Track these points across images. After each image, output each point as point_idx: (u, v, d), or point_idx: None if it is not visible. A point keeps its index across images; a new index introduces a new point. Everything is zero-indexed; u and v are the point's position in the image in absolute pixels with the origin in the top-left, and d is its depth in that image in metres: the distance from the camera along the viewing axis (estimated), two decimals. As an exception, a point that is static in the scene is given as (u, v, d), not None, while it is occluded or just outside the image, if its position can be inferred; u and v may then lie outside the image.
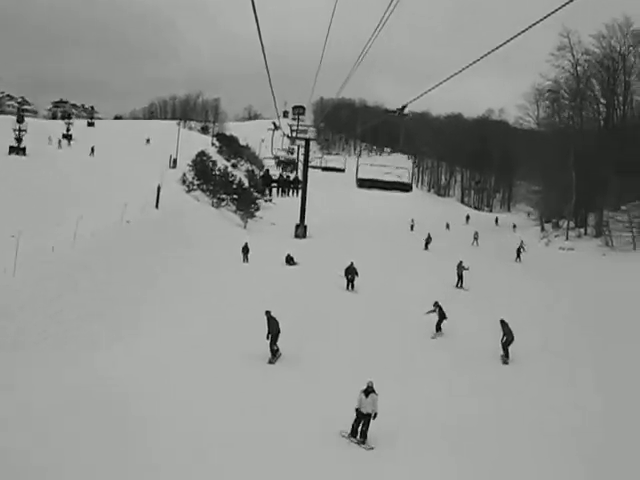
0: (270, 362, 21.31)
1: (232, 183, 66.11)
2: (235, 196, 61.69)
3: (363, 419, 16.00)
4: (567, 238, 60.46)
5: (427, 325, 26.09)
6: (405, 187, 34.29)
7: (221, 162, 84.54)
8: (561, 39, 64.61)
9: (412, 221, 70.70)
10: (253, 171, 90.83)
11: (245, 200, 61.02)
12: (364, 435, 15.97)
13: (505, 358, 22.85)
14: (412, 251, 50.47)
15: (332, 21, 19.69)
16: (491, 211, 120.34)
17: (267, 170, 49.93)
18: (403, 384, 19.62)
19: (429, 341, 25.43)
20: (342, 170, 53.02)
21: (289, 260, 41.45)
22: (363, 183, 33.83)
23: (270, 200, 74.40)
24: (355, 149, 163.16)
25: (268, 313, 21.78)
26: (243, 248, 40.70)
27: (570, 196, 63.78)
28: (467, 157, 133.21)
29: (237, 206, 60.31)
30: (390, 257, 45.42)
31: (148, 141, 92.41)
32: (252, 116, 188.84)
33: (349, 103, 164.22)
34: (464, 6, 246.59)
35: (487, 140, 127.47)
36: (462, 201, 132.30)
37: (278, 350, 21.65)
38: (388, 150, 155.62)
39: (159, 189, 44.12)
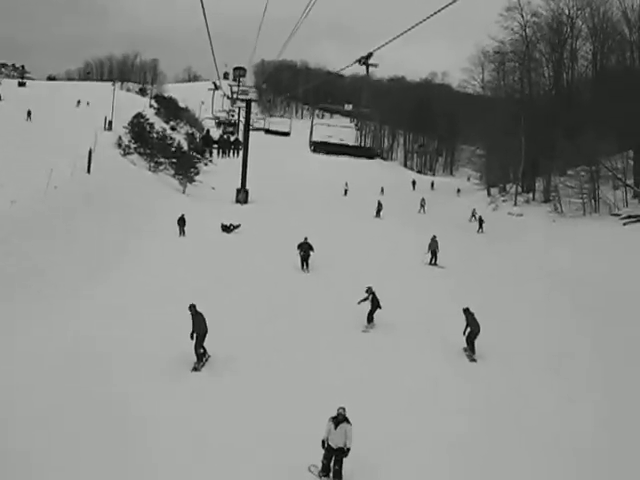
0: (195, 369, 17.67)
1: (170, 146, 63.37)
2: (174, 160, 58.97)
3: (334, 454, 12.92)
4: (515, 203, 59.52)
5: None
6: (369, 152, 32.05)
7: (159, 125, 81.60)
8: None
9: (346, 185, 68.94)
10: (193, 134, 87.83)
11: (184, 164, 58.19)
12: (338, 475, 12.91)
13: (471, 353, 20.20)
14: (363, 220, 48.65)
15: None
16: (434, 175, 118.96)
17: (207, 131, 47.86)
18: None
19: (384, 338, 21.70)
20: (287, 134, 50.53)
21: (226, 228, 39.51)
22: (317, 147, 31.42)
23: (210, 161, 72.07)
24: (297, 112, 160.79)
25: (193, 308, 17.98)
26: (179, 220, 37.19)
27: (518, 161, 62.90)
28: (410, 120, 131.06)
29: (176, 170, 57.57)
30: (340, 225, 43.59)
31: (79, 103, 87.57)
32: (192, 78, 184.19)
33: (291, 65, 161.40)
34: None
35: (430, 103, 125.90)
36: (405, 165, 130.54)
37: (205, 353, 18.08)
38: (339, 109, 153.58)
39: (90, 153, 41.29)
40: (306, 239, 31.18)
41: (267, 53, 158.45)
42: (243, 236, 38.43)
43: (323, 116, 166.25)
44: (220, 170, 73.94)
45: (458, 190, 76.05)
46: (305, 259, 30.77)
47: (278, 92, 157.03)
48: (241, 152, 49.12)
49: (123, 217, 36.03)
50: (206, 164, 73.15)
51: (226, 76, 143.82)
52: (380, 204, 51.02)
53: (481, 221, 48.84)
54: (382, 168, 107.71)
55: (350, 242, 37.92)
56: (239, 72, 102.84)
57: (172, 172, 57.70)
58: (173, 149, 61.95)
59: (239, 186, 55.92)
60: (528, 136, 60.45)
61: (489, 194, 69.39)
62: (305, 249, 30.75)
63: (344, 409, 12.93)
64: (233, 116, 51.71)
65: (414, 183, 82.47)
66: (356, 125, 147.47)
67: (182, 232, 36.99)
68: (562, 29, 61.04)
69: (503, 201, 62.42)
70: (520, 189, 62.24)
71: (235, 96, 53.27)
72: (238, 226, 39.79)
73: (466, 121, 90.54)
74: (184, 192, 54.46)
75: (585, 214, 47.98)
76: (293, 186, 68.34)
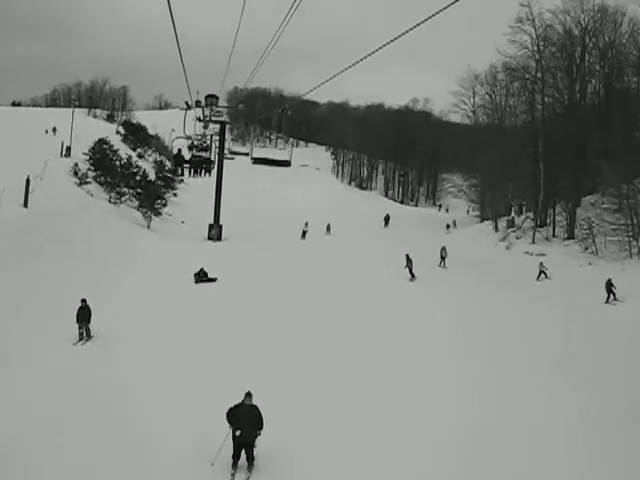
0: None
1: (135, 175, 55.66)
2: (139, 190, 51.14)
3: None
4: (533, 241, 50.23)
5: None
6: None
7: (125, 152, 74.35)
8: (521, 9, 55.25)
9: (306, 226, 53.35)
10: (162, 162, 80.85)
11: (150, 195, 50.30)
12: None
13: None
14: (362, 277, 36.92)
15: (244, 8, 19.07)
16: (416, 205, 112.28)
17: (179, 150, 41.81)
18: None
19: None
20: (287, 163, 43.17)
21: (200, 276, 31.67)
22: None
23: (182, 180, 65.53)
24: (271, 141, 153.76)
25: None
26: (79, 313, 20.93)
27: (534, 190, 54.33)
28: (390, 148, 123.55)
29: (140, 202, 49.63)
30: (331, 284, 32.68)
31: (54, 131, 79.06)
32: (163, 105, 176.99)
33: (265, 92, 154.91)
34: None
35: (411, 131, 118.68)
36: (386, 194, 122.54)
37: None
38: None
39: (28, 182, 33.18)
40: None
41: (241, 80, 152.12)
42: (219, 289, 30.20)
43: (298, 144, 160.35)
44: (192, 191, 69.40)
45: (448, 226, 67.29)
46: None
47: (251, 120, 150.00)
48: (213, 171, 43.28)
49: (56, 268, 26.78)
50: (175, 193, 65.80)
51: (198, 104, 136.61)
52: (409, 260, 35.29)
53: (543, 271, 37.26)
54: (360, 198, 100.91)
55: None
56: (211, 100, 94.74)
57: (136, 204, 49.97)
58: (138, 178, 54.29)
59: (212, 220, 48.46)
60: (547, 162, 52.02)
61: (496, 229, 60.29)
62: None
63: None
64: (205, 142, 44.82)
65: (387, 220, 67.47)
66: (332, 154, 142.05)
67: (84, 334, 20.85)
68: (575, 45, 53.59)
69: (517, 238, 53.20)
70: (532, 223, 53.59)
71: (208, 117, 46.21)
72: (214, 279, 31.83)
73: (459, 149, 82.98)
74: (149, 227, 46.53)
75: (631, 255, 39.04)
76: (269, 218, 61.13)
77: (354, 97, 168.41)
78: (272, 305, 26.40)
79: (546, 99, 56.07)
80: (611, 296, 30.44)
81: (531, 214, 55.27)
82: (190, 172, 43.73)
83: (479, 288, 32.85)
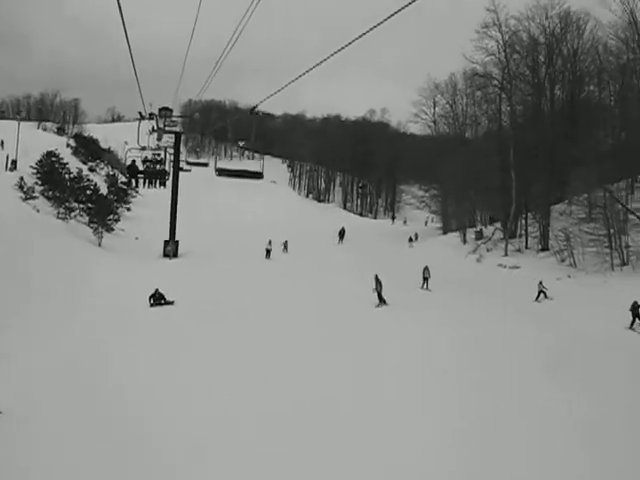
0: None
1: (86, 189, 52.60)
2: (90, 205, 48.08)
3: None
4: (506, 253, 47.76)
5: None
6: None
7: (76, 165, 71.14)
8: (487, 15, 53.70)
9: (269, 244, 47.14)
10: (114, 175, 77.77)
11: (101, 209, 47.27)
12: None
13: None
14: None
15: (197, 20, 19.27)
16: (375, 217, 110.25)
17: (133, 161, 39.43)
18: None
19: None
20: (259, 175, 40.76)
21: (156, 298, 29.03)
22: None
23: (137, 192, 62.85)
24: (226, 153, 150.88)
25: None
26: None
27: (505, 200, 52.17)
28: (348, 160, 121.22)
29: (90, 217, 46.57)
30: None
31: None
32: (115, 118, 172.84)
33: (219, 105, 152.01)
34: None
35: (369, 142, 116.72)
36: (344, 207, 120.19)
37: None
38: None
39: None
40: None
41: (196, 93, 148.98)
42: (175, 314, 27.11)
43: (254, 157, 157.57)
44: (147, 205, 66.88)
45: (411, 239, 61.99)
46: None
47: (205, 133, 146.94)
48: (168, 183, 41.13)
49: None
50: (129, 208, 62.94)
51: (152, 117, 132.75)
52: (378, 282, 30.75)
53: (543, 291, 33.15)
54: (321, 211, 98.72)
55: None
56: (165, 112, 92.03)
57: (87, 220, 46.92)
58: (89, 192, 51.22)
59: (167, 236, 45.48)
60: (518, 170, 50.06)
61: (464, 241, 57.83)
62: None
63: None
64: (159, 154, 42.51)
65: (342, 234, 61.62)
66: (289, 166, 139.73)
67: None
68: (539, 52, 52.16)
69: (487, 250, 50.80)
70: (502, 234, 51.59)
71: (162, 128, 43.55)
72: (171, 302, 29.00)
73: (419, 160, 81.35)
74: (100, 244, 43.49)
75: (613, 267, 36.86)
76: (226, 233, 58.38)
77: (311, 109, 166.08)
78: (230, 335, 23.45)
79: (513, 107, 54.51)
80: (637, 320, 26.01)
81: (500, 225, 53.46)
82: (145, 183, 41.61)
83: (474, 316, 28.09)
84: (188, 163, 51.32)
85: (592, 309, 28.82)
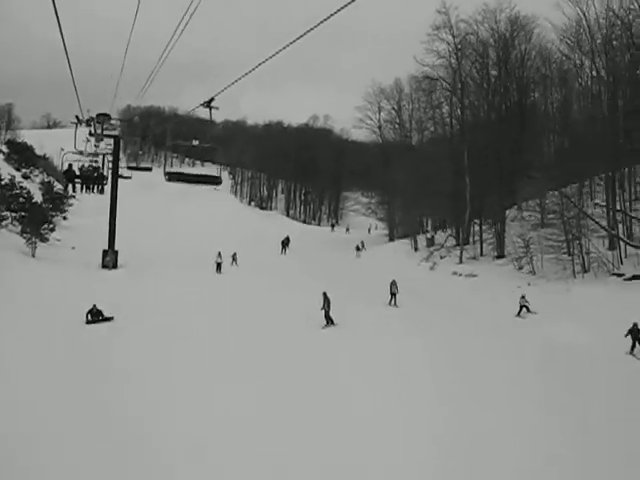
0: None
1: (18, 197, 49.68)
2: (23, 214, 45.29)
3: None
4: (461, 260, 46.36)
5: None
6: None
7: (8, 172, 67.79)
8: (437, 17, 52.51)
9: (219, 256, 43.64)
10: (50, 182, 74.47)
11: (35, 218, 44.52)
12: None
13: None
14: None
15: (134, 26, 18.99)
16: (319, 224, 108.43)
17: (70, 165, 37.34)
18: None
19: None
20: (216, 180, 39.58)
21: (94, 315, 26.80)
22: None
23: (74, 197, 60.23)
24: (166, 160, 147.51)
25: None
26: None
27: (457, 205, 50.90)
28: (290, 167, 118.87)
29: (23, 227, 43.82)
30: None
31: None
32: (51, 124, 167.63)
33: (158, 111, 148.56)
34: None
35: (312, 148, 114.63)
36: (287, 214, 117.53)
37: None
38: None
39: None
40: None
41: (136, 99, 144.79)
42: (113, 332, 24.70)
43: (194, 164, 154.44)
44: (85, 213, 64.70)
45: (358, 248, 58.73)
46: None
47: (145, 138, 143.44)
48: (107, 188, 39.34)
49: None
50: (65, 217, 60.00)
51: (89, 123, 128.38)
52: (326, 300, 28.50)
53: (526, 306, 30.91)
54: (264, 219, 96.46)
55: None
56: (103, 118, 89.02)
57: (19, 229, 44.17)
58: (22, 200, 48.33)
59: (106, 245, 43.07)
60: (472, 175, 48.72)
61: (415, 249, 56.02)
62: None
63: None
64: (97, 162, 40.46)
65: (285, 244, 58.41)
66: (230, 173, 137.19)
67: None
68: (489, 56, 51.18)
69: (441, 257, 48.97)
70: (455, 241, 50.35)
71: (101, 131, 41.18)
72: (110, 319, 26.78)
73: (364, 166, 79.97)
74: (34, 255, 40.86)
75: (575, 275, 35.84)
76: (169, 241, 56.01)
77: (252, 116, 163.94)
78: (167, 359, 21.19)
79: (465, 110, 53.47)
80: (637, 345, 23.50)
81: (451, 231, 52.48)
82: (82, 188, 39.62)
83: (453, 338, 25.26)
84: (129, 168, 48.54)
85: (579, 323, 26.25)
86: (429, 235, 56.97)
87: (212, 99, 18.81)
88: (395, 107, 71.62)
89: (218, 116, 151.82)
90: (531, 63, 51.80)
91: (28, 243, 41.20)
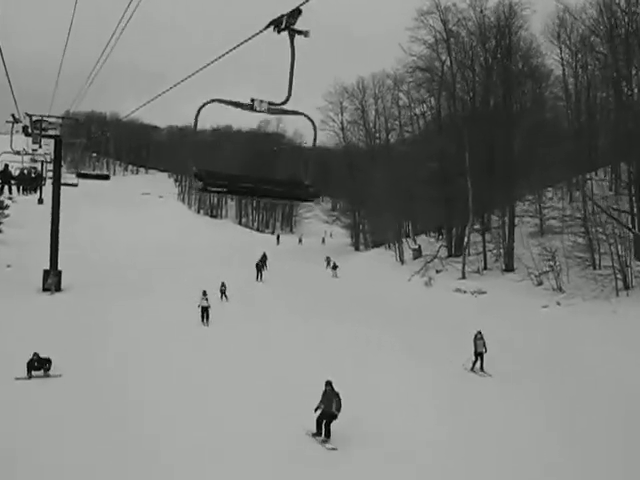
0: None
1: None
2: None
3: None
4: (464, 275, 38.83)
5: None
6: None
7: None
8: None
9: (204, 298, 28.52)
10: (-18, 191, 67.02)
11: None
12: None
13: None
14: None
15: (70, 30, 18.75)
16: (273, 233, 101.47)
17: (6, 165, 31.81)
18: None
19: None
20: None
21: (35, 365, 19.77)
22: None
23: (10, 199, 53.69)
24: (109, 167, 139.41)
25: None
26: None
27: (456, 210, 43.83)
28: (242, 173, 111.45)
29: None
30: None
31: None
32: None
33: (100, 116, 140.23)
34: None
35: (264, 154, 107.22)
36: (240, 222, 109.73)
37: None
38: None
39: None
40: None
41: (76, 104, 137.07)
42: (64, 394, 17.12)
43: (138, 172, 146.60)
44: (24, 223, 56.49)
45: (333, 266, 48.28)
46: None
47: (85, 146, 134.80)
48: (47, 200, 34.34)
49: None
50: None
51: (26, 131, 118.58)
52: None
53: None
54: (217, 228, 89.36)
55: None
56: (40, 124, 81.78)
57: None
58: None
59: (47, 263, 35.93)
60: (474, 177, 41.04)
61: (402, 261, 48.64)
62: None
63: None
64: (35, 168, 34.50)
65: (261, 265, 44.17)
66: (176, 180, 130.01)
67: None
68: (480, 46, 44.35)
69: (437, 272, 41.46)
70: (447, 251, 43.68)
71: (39, 132, 34.83)
72: (48, 366, 19.04)
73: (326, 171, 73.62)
74: (-40, 273, 33.96)
75: (617, 292, 28.89)
76: (120, 255, 49.08)
77: (200, 122, 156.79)
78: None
79: (465, 101, 46.65)
80: None
81: (443, 239, 46.06)
82: (19, 190, 34.88)
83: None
84: (81, 175, 41.18)
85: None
86: (415, 245, 49.78)
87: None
88: (359, 107, 66.17)
89: (162, 121, 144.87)
90: (519, 57, 45.00)
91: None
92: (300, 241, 79.01)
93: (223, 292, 33.24)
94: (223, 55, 8.62)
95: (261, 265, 43.68)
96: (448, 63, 45.84)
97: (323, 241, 77.21)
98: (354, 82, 67.36)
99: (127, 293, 32.60)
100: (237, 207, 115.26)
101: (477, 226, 41.25)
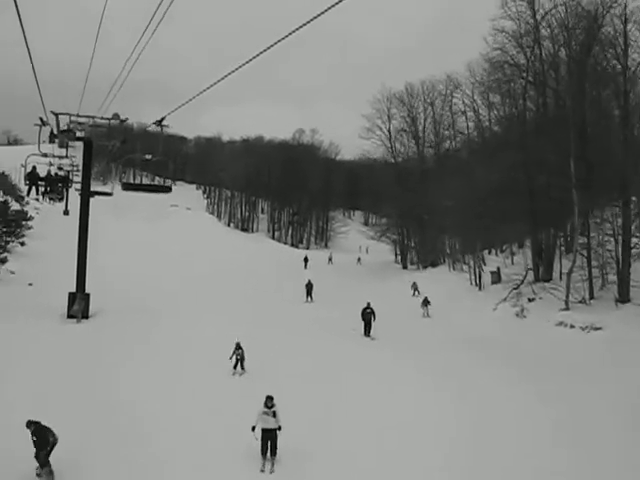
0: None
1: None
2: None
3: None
4: (567, 306, 31.31)
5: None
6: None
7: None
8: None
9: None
10: (6, 202, 62.95)
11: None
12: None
13: None
14: None
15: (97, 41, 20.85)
16: (307, 248, 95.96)
17: (34, 167, 27.54)
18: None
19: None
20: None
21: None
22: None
23: (37, 199, 50.17)
24: (133, 178, 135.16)
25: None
26: None
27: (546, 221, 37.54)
28: (274, 185, 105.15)
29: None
30: None
31: None
32: (12, 141, 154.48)
33: (126, 127, 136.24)
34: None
35: (299, 165, 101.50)
36: (273, 237, 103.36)
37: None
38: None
39: None
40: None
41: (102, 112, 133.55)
42: None
43: (165, 182, 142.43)
44: (48, 235, 52.53)
45: (416, 292, 42.51)
46: None
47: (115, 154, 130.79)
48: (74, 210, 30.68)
49: None
50: (22, 242, 48.22)
51: (53, 139, 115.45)
52: None
53: None
54: (252, 243, 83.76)
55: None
56: (67, 135, 77.74)
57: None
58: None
59: (73, 281, 30.96)
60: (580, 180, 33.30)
61: (478, 286, 42.10)
62: None
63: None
64: (62, 169, 30.61)
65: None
66: (204, 192, 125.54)
67: None
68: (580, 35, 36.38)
69: (529, 300, 34.23)
70: (534, 276, 36.62)
71: (67, 131, 30.44)
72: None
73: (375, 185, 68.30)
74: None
75: None
76: (152, 275, 43.94)
77: (229, 132, 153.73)
78: None
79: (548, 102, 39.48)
80: None
81: (530, 261, 38.89)
82: (46, 191, 30.73)
83: None
84: (128, 186, 37.58)
85: None
86: (494, 267, 42.54)
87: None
88: (408, 115, 60.94)
89: (190, 133, 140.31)
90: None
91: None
92: (330, 260, 68.95)
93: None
94: (235, 70, 9.85)
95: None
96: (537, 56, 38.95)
97: (359, 260, 68.89)
98: (402, 89, 62.79)
99: (166, 326, 27.29)
100: (269, 220, 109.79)
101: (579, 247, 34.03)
